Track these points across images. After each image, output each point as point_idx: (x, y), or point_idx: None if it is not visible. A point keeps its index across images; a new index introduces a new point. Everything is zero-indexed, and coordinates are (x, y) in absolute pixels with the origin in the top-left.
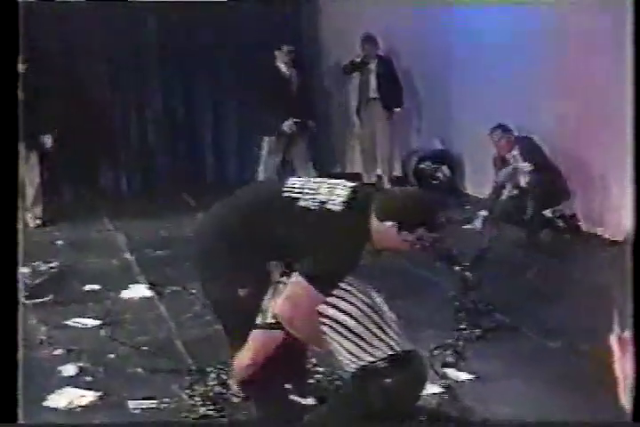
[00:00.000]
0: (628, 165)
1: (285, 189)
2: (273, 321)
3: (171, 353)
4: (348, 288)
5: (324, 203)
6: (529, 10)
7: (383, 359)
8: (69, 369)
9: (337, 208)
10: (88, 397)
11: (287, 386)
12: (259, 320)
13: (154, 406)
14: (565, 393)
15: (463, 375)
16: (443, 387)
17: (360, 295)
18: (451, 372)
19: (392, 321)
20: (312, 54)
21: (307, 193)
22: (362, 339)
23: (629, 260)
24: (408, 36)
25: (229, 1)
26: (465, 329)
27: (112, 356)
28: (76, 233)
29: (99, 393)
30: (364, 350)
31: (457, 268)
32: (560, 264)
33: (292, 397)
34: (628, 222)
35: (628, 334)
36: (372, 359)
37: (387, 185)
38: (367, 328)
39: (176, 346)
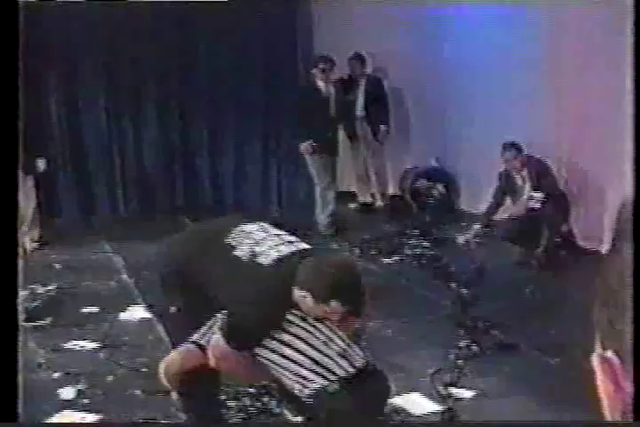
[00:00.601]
0: (626, 178)
1: (231, 234)
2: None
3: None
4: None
5: (255, 255)
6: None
7: (335, 381)
8: (68, 392)
9: (266, 263)
10: (87, 420)
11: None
12: (193, 337)
13: None
14: (564, 408)
15: (464, 393)
16: (443, 406)
17: (302, 324)
18: (451, 390)
19: (339, 346)
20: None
21: (246, 243)
22: (309, 364)
23: (610, 275)
24: (399, 52)
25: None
26: (464, 347)
27: (111, 378)
28: (73, 256)
29: (98, 416)
30: (314, 374)
31: (453, 285)
32: (557, 280)
33: None
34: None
35: (609, 353)
36: (323, 382)
37: (380, 204)
38: (308, 356)
39: None
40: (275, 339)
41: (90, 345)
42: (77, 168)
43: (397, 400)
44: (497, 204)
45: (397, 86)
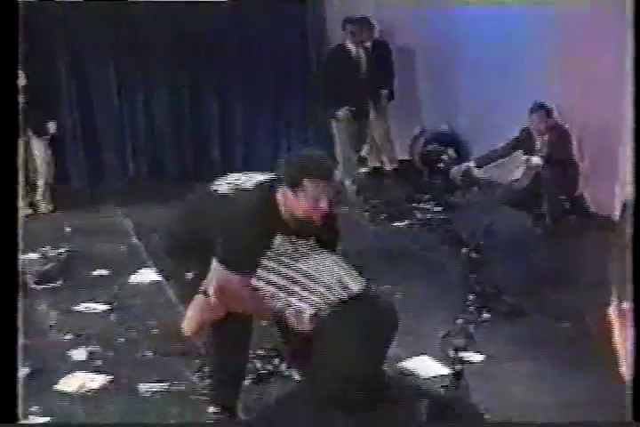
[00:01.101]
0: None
1: (215, 183)
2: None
3: (180, 337)
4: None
5: (239, 186)
6: None
7: (332, 304)
8: (80, 354)
9: (250, 185)
10: (99, 380)
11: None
12: (201, 287)
13: (164, 389)
14: (573, 372)
15: (474, 356)
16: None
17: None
18: (461, 353)
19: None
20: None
21: (231, 181)
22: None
23: (625, 236)
24: (410, 17)
25: None
26: (474, 311)
27: (122, 340)
28: (83, 219)
29: (109, 377)
30: (313, 294)
31: (464, 250)
32: (567, 246)
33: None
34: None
35: (626, 305)
36: (334, 299)
37: (389, 168)
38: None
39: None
40: (270, 260)
41: (100, 307)
42: (87, 133)
43: (407, 363)
44: (504, 153)
45: (408, 50)
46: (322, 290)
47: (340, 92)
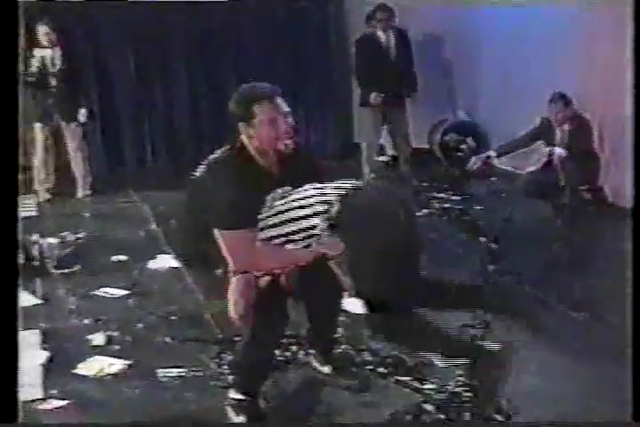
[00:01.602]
0: None
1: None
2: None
3: (198, 323)
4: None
5: (210, 160)
6: None
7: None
8: (98, 338)
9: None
10: (117, 365)
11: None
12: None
13: (182, 374)
14: (590, 363)
15: (491, 346)
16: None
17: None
18: (479, 342)
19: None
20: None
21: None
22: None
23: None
24: (429, 6)
25: None
26: (492, 301)
27: (140, 325)
28: (102, 205)
29: (128, 362)
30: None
31: (482, 239)
32: (586, 236)
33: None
34: None
35: None
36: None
37: (407, 157)
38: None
39: (203, 316)
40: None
41: (119, 292)
42: (107, 120)
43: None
44: (523, 142)
45: (426, 39)
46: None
47: (371, 79)
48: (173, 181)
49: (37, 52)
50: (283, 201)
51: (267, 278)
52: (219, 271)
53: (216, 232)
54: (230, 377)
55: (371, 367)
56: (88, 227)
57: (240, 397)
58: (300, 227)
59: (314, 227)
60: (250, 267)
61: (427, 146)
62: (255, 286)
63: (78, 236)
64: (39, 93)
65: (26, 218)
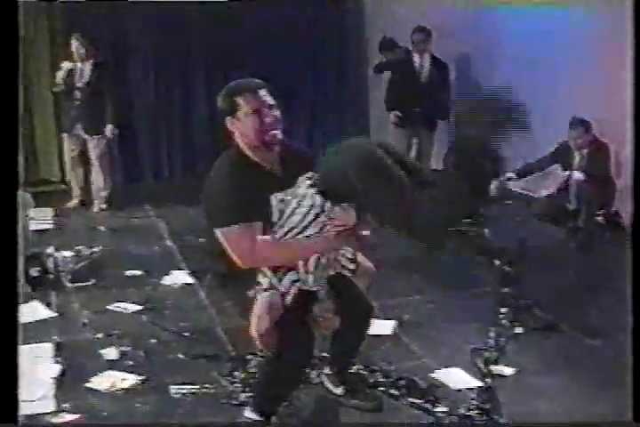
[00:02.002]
0: None
1: None
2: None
3: (211, 340)
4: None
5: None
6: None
7: None
8: (111, 353)
9: None
10: (130, 380)
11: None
12: (262, 285)
13: (194, 391)
14: (603, 390)
15: (504, 370)
16: (483, 382)
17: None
18: (492, 366)
19: None
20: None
21: None
22: None
23: None
24: (449, 27)
25: None
26: (506, 325)
27: (153, 341)
28: (117, 219)
29: (140, 377)
30: None
31: (497, 262)
32: (601, 261)
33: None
34: None
35: None
36: None
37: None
38: None
39: (216, 333)
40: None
41: (133, 307)
42: (124, 134)
43: (437, 374)
44: (543, 164)
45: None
46: None
47: (400, 99)
48: (189, 197)
49: (66, 65)
50: (283, 202)
51: (293, 295)
52: (250, 292)
53: (216, 232)
54: (243, 395)
55: (383, 389)
56: (103, 241)
57: (255, 417)
58: (302, 212)
59: (312, 206)
60: (257, 262)
61: (442, 167)
62: (282, 304)
63: (93, 250)
64: (66, 105)
65: (41, 231)
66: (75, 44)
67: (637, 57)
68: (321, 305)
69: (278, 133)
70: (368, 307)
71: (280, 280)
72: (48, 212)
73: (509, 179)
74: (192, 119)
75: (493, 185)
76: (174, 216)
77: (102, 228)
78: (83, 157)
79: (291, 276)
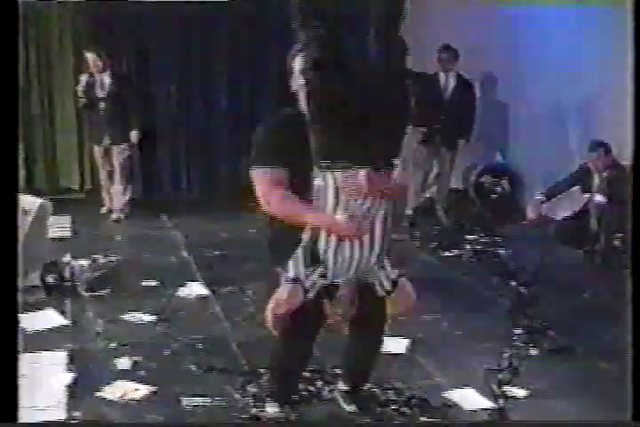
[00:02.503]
0: None
1: None
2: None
3: (225, 353)
4: None
5: None
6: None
7: None
8: (124, 363)
9: None
10: (142, 390)
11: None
12: (289, 274)
13: (206, 404)
14: (618, 413)
15: (517, 391)
16: (496, 403)
17: None
18: (505, 388)
19: None
20: None
21: None
22: None
23: None
24: (472, 46)
25: None
26: (520, 346)
27: (167, 352)
28: (134, 229)
29: (152, 388)
30: None
31: (513, 283)
32: (617, 284)
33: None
34: None
35: None
36: None
37: (440, 201)
38: None
39: (230, 346)
40: None
41: (147, 318)
42: (144, 144)
43: (450, 394)
44: (566, 186)
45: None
46: None
47: (420, 115)
48: (206, 209)
49: (83, 78)
50: None
51: (315, 292)
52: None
53: (251, 173)
54: (254, 410)
55: (395, 407)
56: (120, 250)
57: (276, 409)
58: None
59: None
60: (271, 208)
61: (461, 186)
62: (303, 297)
63: (110, 259)
64: (92, 116)
65: (60, 239)
66: (90, 57)
67: (637, 57)
68: (337, 302)
69: None
70: (379, 332)
71: (307, 276)
72: (67, 220)
73: (540, 201)
74: (211, 130)
75: (529, 209)
76: (191, 227)
77: (119, 237)
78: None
79: (319, 272)
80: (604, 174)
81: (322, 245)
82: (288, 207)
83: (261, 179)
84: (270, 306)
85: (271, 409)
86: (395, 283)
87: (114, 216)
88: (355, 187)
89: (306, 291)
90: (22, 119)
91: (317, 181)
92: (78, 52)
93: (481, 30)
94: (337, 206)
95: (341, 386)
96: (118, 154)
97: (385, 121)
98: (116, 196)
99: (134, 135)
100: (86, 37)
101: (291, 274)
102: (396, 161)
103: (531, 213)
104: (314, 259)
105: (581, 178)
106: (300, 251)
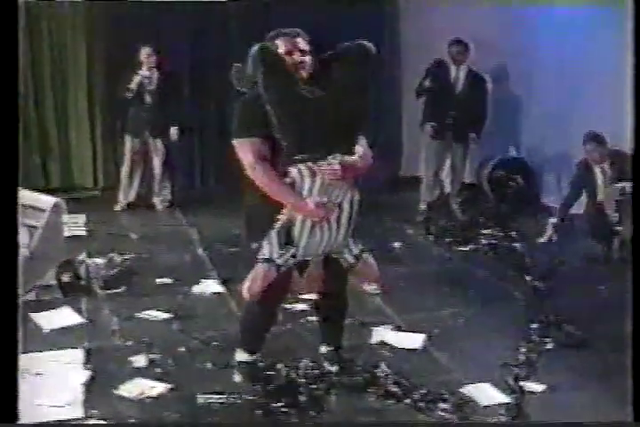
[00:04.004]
0: None
1: None
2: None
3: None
4: None
5: None
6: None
7: None
8: (140, 360)
9: None
10: (158, 388)
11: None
12: (264, 254)
13: (222, 401)
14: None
15: (534, 386)
16: (512, 398)
17: None
18: (521, 382)
19: None
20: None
21: None
22: None
23: None
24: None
25: None
26: (537, 341)
27: (182, 349)
28: (149, 227)
29: (169, 385)
30: None
31: (528, 278)
32: (633, 278)
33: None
34: None
35: None
36: None
37: (454, 196)
38: None
39: None
40: None
41: (162, 315)
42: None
43: (467, 389)
44: (575, 196)
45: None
46: None
47: (432, 109)
48: (221, 206)
49: (142, 73)
50: None
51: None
52: (254, 244)
53: (234, 144)
54: (272, 405)
55: (410, 402)
56: (135, 248)
57: (245, 357)
58: None
59: None
60: (254, 177)
61: (475, 181)
62: (276, 274)
63: (125, 257)
64: (133, 109)
65: (74, 237)
66: (145, 52)
67: (637, 56)
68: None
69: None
70: (342, 303)
71: (281, 255)
72: (81, 218)
73: (555, 226)
74: (226, 128)
75: (548, 234)
76: (206, 225)
77: (134, 235)
78: (142, 161)
79: (291, 252)
80: (605, 165)
81: (296, 228)
82: (272, 182)
83: (246, 149)
84: (246, 285)
85: (240, 356)
86: (357, 257)
87: (159, 207)
88: (330, 171)
89: (279, 269)
90: (36, 117)
91: (293, 173)
92: (91, 47)
93: (494, 25)
94: (312, 192)
95: (322, 349)
96: (157, 148)
97: (341, 122)
98: (157, 189)
99: (174, 131)
100: (141, 32)
101: (265, 255)
102: (355, 149)
103: (549, 237)
104: (287, 241)
105: (582, 175)
106: (274, 233)
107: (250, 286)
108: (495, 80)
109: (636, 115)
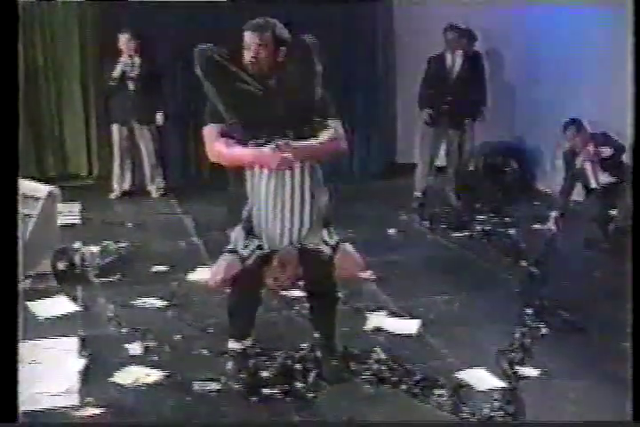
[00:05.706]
0: None
1: None
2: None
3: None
4: None
5: None
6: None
7: None
8: (136, 348)
9: None
10: (153, 376)
11: None
12: (230, 247)
13: (218, 387)
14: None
15: (529, 371)
16: (507, 383)
17: None
18: (517, 367)
19: None
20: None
21: None
22: None
23: None
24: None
25: None
26: (532, 326)
27: (178, 337)
28: (144, 215)
29: (164, 372)
30: None
31: (523, 263)
32: (628, 263)
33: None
34: None
35: None
36: None
37: (449, 182)
38: None
39: None
40: None
41: (158, 303)
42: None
43: (462, 375)
44: (570, 186)
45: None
46: None
47: (430, 97)
48: (216, 195)
49: (123, 59)
50: None
51: (253, 260)
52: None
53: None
54: (266, 391)
55: (405, 387)
56: (130, 236)
57: (236, 345)
58: None
59: None
60: (217, 157)
61: (469, 167)
62: (241, 266)
63: (120, 245)
64: (118, 97)
65: (69, 225)
66: (123, 39)
67: (637, 57)
68: (274, 269)
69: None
70: (331, 291)
71: (245, 247)
72: (76, 206)
73: (555, 218)
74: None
75: (551, 225)
76: (200, 213)
77: (129, 224)
78: (132, 148)
79: (256, 243)
80: (589, 149)
81: (255, 219)
82: (230, 150)
83: (208, 134)
84: (210, 275)
85: (231, 345)
86: (334, 248)
87: (154, 194)
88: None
89: (243, 260)
90: (30, 105)
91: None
92: (84, 36)
93: (492, 12)
94: (263, 176)
95: (316, 335)
96: (144, 136)
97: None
98: (149, 177)
99: (159, 117)
100: (118, 19)
101: (229, 246)
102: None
103: (551, 231)
104: (250, 232)
105: (571, 164)
106: (239, 225)
107: (213, 276)
108: (491, 65)
109: (636, 113)
